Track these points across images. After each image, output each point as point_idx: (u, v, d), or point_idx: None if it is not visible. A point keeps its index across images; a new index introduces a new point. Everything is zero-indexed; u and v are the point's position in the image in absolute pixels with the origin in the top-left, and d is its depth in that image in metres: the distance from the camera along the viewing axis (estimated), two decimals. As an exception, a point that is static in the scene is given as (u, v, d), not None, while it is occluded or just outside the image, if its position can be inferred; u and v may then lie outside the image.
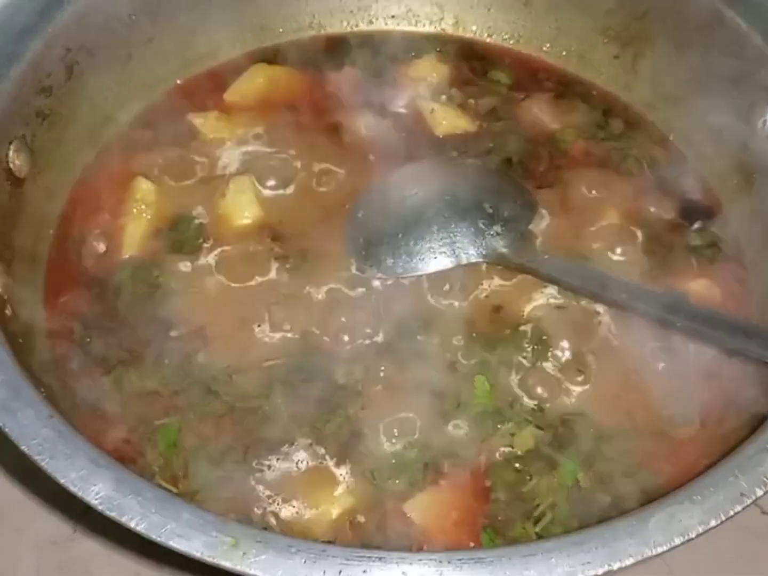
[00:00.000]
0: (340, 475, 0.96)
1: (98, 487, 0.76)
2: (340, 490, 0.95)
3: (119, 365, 1.03)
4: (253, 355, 1.03)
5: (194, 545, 0.73)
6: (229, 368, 1.02)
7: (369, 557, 0.73)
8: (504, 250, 1.11)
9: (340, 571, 0.72)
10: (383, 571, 0.73)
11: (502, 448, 0.98)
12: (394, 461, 0.96)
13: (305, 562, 0.72)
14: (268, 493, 0.95)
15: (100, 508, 0.75)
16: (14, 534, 1.09)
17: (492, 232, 1.12)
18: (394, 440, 0.98)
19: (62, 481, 0.77)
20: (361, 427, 0.99)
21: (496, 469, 0.96)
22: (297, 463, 0.96)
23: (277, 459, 0.97)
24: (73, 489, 0.76)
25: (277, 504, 0.94)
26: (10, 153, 1.05)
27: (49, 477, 0.77)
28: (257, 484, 0.95)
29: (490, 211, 1.14)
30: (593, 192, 1.20)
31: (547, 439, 0.98)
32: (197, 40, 1.30)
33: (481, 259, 1.11)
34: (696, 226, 1.17)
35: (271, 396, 1.00)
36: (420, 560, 0.73)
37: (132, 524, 0.75)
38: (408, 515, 0.93)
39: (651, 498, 0.81)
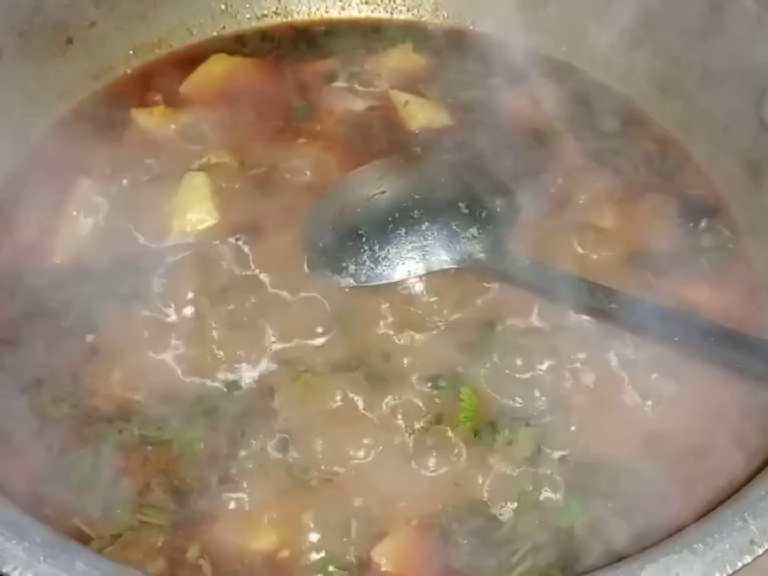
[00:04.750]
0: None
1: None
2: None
3: (33, 385, 0.90)
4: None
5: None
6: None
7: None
8: (480, 255, 0.98)
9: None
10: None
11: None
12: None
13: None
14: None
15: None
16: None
17: (467, 235, 0.99)
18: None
19: None
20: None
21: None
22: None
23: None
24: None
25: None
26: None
27: None
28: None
29: (466, 211, 1.01)
30: (581, 191, 1.07)
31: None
32: (148, 25, 1.18)
33: (454, 265, 0.98)
34: (702, 225, 1.04)
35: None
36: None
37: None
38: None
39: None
